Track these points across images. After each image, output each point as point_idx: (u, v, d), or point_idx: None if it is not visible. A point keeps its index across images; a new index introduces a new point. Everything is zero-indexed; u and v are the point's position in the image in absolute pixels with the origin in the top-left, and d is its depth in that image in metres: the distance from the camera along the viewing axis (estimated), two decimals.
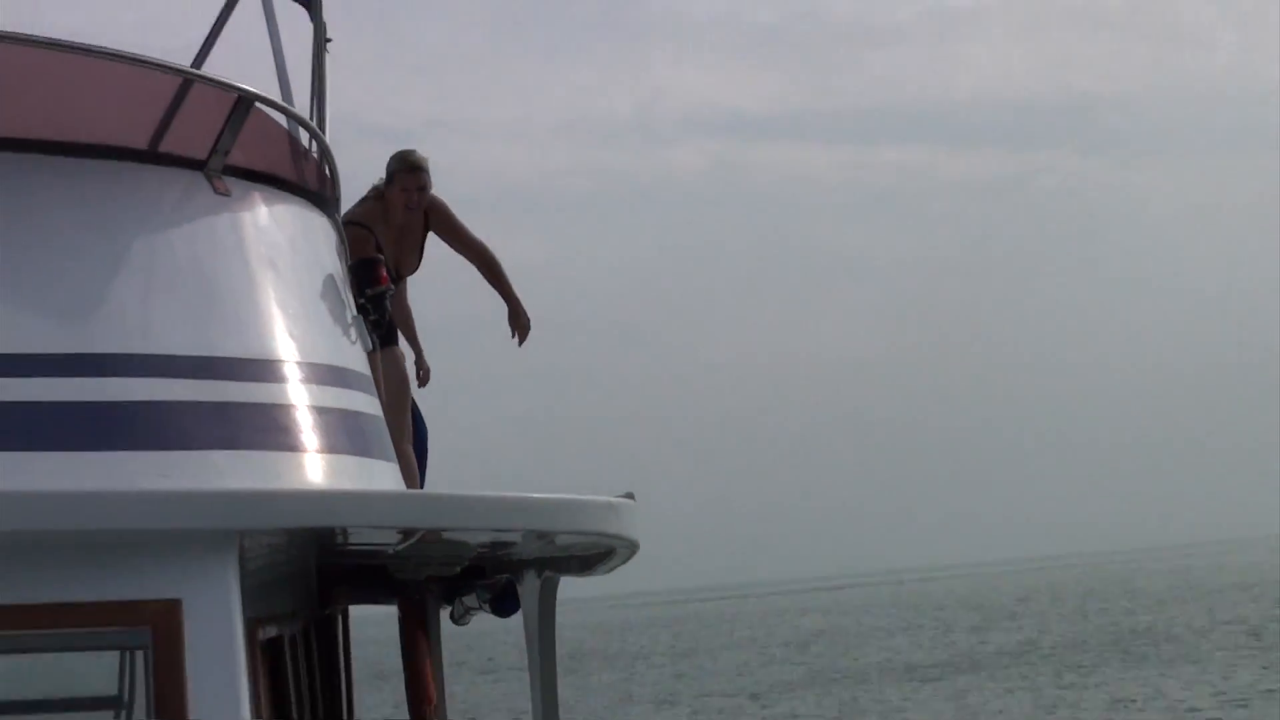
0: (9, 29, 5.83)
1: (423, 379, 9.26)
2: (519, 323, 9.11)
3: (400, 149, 8.87)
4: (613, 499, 6.34)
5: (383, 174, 8.82)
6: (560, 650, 7.00)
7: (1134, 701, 45.06)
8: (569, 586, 7.05)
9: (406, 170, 8.72)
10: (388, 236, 8.50)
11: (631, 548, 6.64)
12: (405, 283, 9.03)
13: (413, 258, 8.88)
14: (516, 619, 7.60)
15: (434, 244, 9.03)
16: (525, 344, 9.07)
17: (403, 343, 8.92)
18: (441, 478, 8.60)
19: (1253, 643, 61.56)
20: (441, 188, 8.96)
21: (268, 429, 5.85)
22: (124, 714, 6.74)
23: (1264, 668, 51.10)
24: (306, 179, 6.81)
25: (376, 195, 8.72)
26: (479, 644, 79.98)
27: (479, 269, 9.14)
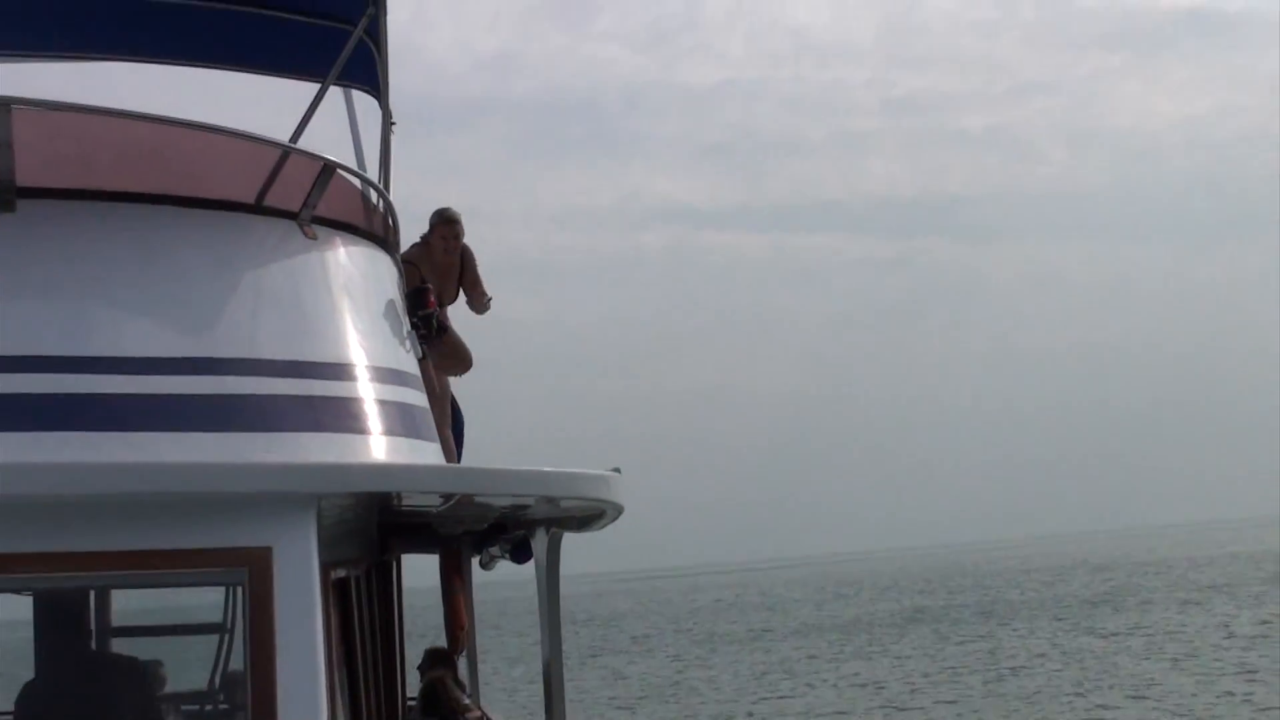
0: (154, 112, 5.82)
1: (485, 307, 8.89)
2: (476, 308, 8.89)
3: (439, 207, 8.84)
4: (604, 472, 6.29)
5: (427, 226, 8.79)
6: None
7: (994, 654, 45.02)
8: (567, 561, 6.96)
9: (444, 222, 8.68)
10: (431, 272, 8.46)
11: (618, 510, 6.57)
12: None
13: (451, 289, 8.80)
14: (528, 566, 7.55)
15: None
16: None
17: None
18: (474, 454, 8.55)
19: (1066, 613, 61.81)
20: None
21: (342, 416, 5.80)
22: (226, 638, 6.66)
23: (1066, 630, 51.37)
24: (374, 227, 6.77)
25: (423, 241, 8.70)
26: (497, 605, 79.47)
27: (470, 306, 8.90)
